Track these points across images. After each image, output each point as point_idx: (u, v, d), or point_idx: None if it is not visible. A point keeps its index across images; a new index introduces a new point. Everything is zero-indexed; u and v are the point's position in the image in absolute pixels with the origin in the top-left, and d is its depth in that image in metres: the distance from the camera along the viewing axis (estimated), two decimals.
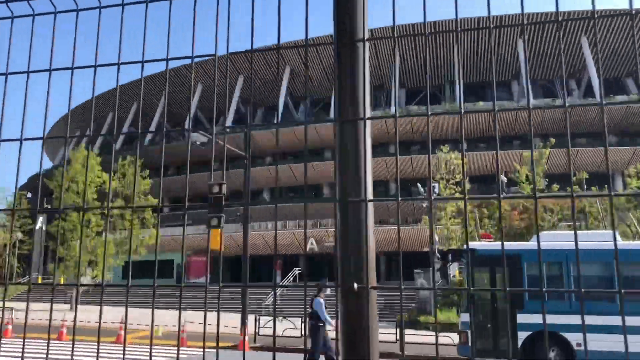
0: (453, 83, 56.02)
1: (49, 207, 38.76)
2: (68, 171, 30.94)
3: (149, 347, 11.55)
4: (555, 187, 28.27)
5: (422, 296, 26.10)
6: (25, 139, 1.90)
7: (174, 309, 30.11)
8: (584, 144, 46.39)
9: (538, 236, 1.40)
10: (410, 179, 50.86)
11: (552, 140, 29.12)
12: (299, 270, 41.44)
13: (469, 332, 11.75)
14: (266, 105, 63.68)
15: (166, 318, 23.71)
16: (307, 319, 10.97)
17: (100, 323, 1.62)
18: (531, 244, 12.42)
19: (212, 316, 26.25)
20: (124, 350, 1.54)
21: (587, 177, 29.12)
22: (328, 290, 11.04)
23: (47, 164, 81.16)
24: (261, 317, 18.44)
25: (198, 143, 18.37)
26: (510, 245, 13.38)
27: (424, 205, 27.95)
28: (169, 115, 66.98)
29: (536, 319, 11.29)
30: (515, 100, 53.62)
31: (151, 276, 41.80)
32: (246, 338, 16.41)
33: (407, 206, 49.21)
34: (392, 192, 52.02)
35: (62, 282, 47.69)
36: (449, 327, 19.65)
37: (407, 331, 19.32)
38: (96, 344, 11.91)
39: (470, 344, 11.70)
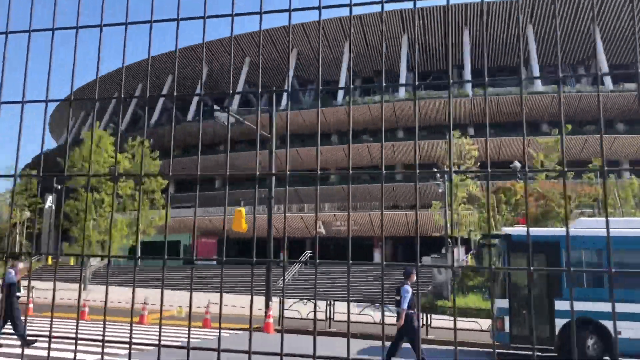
0: (461, 67, 55.69)
1: (58, 187, 38.68)
2: (80, 149, 30.80)
3: (172, 328, 11.60)
4: (570, 174, 28.19)
5: (438, 281, 26.08)
6: (51, 100, 1.80)
7: (188, 290, 30.16)
8: (592, 131, 46.25)
9: (567, 215, 1.33)
10: (418, 163, 50.85)
11: (569, 126, 28.99)
12: (310, 253, 41.52)
13: (506, 318, 11.69)
14: (273, 87, 63.35)
15: (187, 299, 23.72)
16: (395, 306, 10.69)
17: (106, 297, 1.57)
18: (571, 230, 12.28)
19: (227, 298, 26.39)
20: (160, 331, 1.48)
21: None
22: (414, 277, 10.61)
23: (51, 144, 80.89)
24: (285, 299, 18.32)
25: (224, 123, 18.14)
26: (549, 231, 13.30)
27: (440, 190, 27.86)
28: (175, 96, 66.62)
29: (575, 306, 11.24)
30: (524, 86, 53.31)
31: (160, 257, 42.04)
32: (271, 320, 16.44)
33: (425, 191, 49.28)
34: (398, 177, 51.95)
35: (72, 262, 47.83)
36: (466, 311, 19.65)
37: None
38: (119, 324, 11.91)
39: (508, 330, 11.64)
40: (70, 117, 1.78)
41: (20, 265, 12.27)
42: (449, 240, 33.59)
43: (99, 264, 34.01)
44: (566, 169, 1.23)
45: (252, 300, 1.46)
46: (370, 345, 13.80)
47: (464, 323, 16.52)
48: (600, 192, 26.82)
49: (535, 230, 12.64)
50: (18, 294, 12.03)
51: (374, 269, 34.48)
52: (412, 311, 10.40)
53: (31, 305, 19.08)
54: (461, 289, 26.43)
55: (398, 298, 10.55)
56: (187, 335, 8.65)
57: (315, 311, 1.75)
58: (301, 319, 17.29)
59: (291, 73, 59.02)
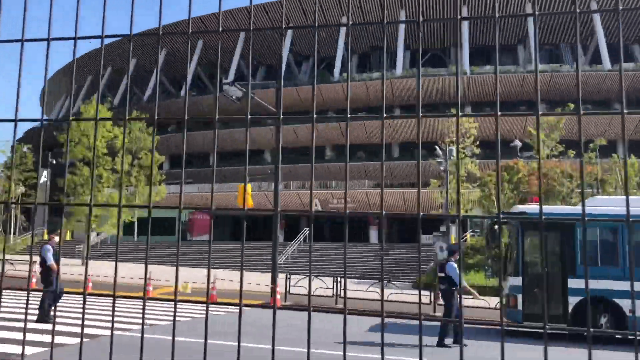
0: (458, 45, 55.23)
1: (53, 161, 38.23)
2: (79, 125, 30.24)
3: (180, 304, 11.34)
4: (572, 152, 28.19)
5: (440, 259, 26.07)
6: (54, 39, 1.63)
7: (189, 267, 30.05)
8: (590, 110, 46.09)
9: (582, 171, 1.20)
10: (413, 142, 50.65)
11: (571, 105, 28.86)
12: (307, 230, 41.50)
13: (519, 296, 11.67)
14: (267, 63, 62.56)
15: (191, 275, 23.62)
16: (439, 284, 10.58)
17: (116, 273, 1.42)
18: (586, 208, 12.09)
19: (230, 274, 26.35)
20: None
21: (605, 143, 29.01)
22: (457, 254, 10.48)
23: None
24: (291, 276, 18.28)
25: (234, 97, 17.82)
26: (563, 209, 13.24)
27: (442, 168, 27.71)
28: (168, 72, 65.73)
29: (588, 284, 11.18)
30: (522, 65, 53.09)
31: (157, 233, 41.40)
32: (278, 296, 16.40)
33: (414, 168, 49.15)
34: (395, 155, 51.84)
35: (67, 237, 47.50)
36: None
37: (427, 293, 19.31)
38: (125, 300, 11.71)
39: (520, 307, 11.63)
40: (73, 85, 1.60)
41: (56, 239, 12.23)
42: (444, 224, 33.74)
43: (95, 240, 33.77)
44: (582, 112, 1.08)
45: (242, 275, 1.30)
46: (378, 323, 13.76)
47: (470, 301, 16.58)
48: (600, 171, 26.88)
49: (551, 208, 12.54)
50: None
51: (372, 246, 34.61)
52: (454, 288, 10.39)
53: (34, 280, 18.91)
54: (466, 267, 26.50)
55: (442, 275, 10.52)
56: (194, 311, 8.54)
57: (310, 288, 1.61)
58: (308, 295, 17.17)
59: (286, 49, 58.28)
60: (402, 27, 54.30)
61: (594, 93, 47.24)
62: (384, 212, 1.27)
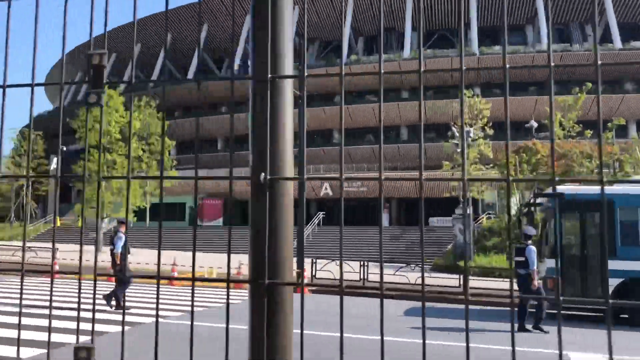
0: (467, 25, 54.57)
1: (64, 148, 38.15)
2: (91, 112, 30.04)
3: (207, 289, 11.26)
4: (588, 132, 27.86)
5: (460, 241, 26.03)
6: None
7: (203, 252, 29.98)
8: (606, 91, 45.71)
9: (600, 151, 1.08)
10: (424, 123, 50.42)
11: (589, 84, 28.44)
12: (322, 214, 41.45)
13: (558, 277, 11.44)
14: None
15: (208, 260, 23.53)
16: (517, 269, 10.44)
17: (159, 259, 1.31)
18: (623, 189, 11.85)
19: (244, 258, 26.26)
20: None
21: (623, 123, 28.57)
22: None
23: (47, 106, 79.73)
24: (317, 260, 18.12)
25: None
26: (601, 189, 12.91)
27: (459, 150, 27.43)
28: (173, 57, 65.34)
29: (629, 265, 11.08)
30: (530, 45, 52.48)
31: (167, 219, 41.28)
32: (305, 280, 16.31)
33: (427, 151, 48.97)
34: (404, 137, 51.57)
35: (79, 224, 47.63)
36: (490, 272, 19.53)
37: (446, 276, 19.16)
38: (151, 285, 11.65)
39: (559, 290, 11.41)
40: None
41: (123, 227, 12.39)
42: (462, 200, 33.51)
43: (108, 226, 33.76)
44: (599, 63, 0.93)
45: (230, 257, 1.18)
46: (413, 306, 13.62)
47: (497, 283, 16.38)
48: (618, 151, 26.43)
49: (589, 189, 12.22)
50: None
51: (385, 230, 34.46)
52: (534, 270, 10.34)
53: (56, 267, 18.94)
54: (481, 250, 26.38)
55: (522, 259, 10.42)
56: (222, 297, 8.39)
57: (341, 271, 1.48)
58: (334, 279, 17.16)
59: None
60: (409, 8, 53.68)
61: (605, 73, 46.71)
62: (383, 177, 1.19)
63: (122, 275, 11.55)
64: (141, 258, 25.88)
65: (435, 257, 28.36)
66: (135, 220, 33.19)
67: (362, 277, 16.77)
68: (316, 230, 38.85)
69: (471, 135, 27.89)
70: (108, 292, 11.78)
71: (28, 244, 29.44)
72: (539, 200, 13.02)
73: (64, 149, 35.32)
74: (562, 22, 54.16)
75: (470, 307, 13.76)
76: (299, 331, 1.22)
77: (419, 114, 1.26)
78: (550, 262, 11.88)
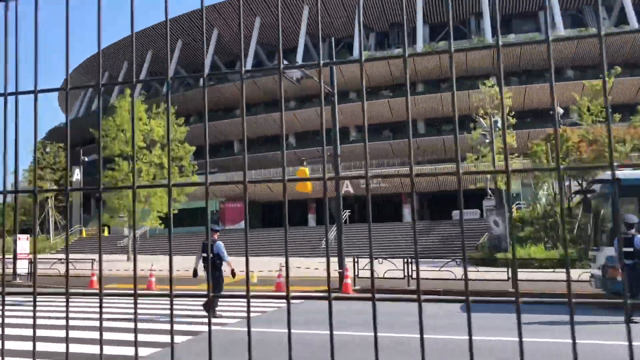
0: (479, 15, 54.11)
1: (85, 159, 38.44)
2: (114, 119, 30.31)
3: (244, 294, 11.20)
4: (617, 116, 27.39)
5: (495, 232, 25.62)
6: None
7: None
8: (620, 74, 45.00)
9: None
10: (440, 117, 50.07)
11: (618, 68, 27.87)
12: (348, 212, 41.31)
13: (618, 266, 11.17)
14: (284, 47, 62.03)
15: (238, 263, 23.46)
16: (624, 259, 10.22)
17: (247, 268, 1.20)
18: None
19: (270, 260, 26.26)
20: None
21: None
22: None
23: (62, 117, 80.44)
24: (359, 259, 17.93)
25: (294, 79, 17.56)
26: None
27: (487, 141, 27.02)
28: (185, 63, 65.62)
29: None
30: (544, 31, 51.83)
31: (189, 224, 41.34)
32: (349, 281, 16.24)
33: (441, 144, 48.70)
34: (421, 131, 51.24)
35: (105, 234, 47.98)
36: (528, 263, 19.13)
37: (485, 269, 18.74)
38: (188, 291, 11.59)
39: (620, 278, 11.13)
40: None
41: (216, 235, 12.41)
42: (489, 194, 33.24)
43: (137, 233, 33.96)
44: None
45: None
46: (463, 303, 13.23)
47: (543, 274, 16.05)
48: None
49: None
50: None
51: (406, 225, 34.29)
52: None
53: (94, 278, 19.04)
54: (515, 241, 25.93)
55: (630, 250, 10.20)
56: (274, 303, 8.26)
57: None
58: (378, 277, 16.93)
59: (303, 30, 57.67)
60: (420, 2, 53.31)
61: (623, 54, 45.99)
62: (414, 173, 1.11)
63: (215, 283, 11.68)
64: (163, 265, 25.94)
65: (470, 250, 28.03)
66: (163, 227, 33.26)
67: (405, 274, 16.54)
68: (343, 227, 38.72)
69: (498, 125, 27.56)
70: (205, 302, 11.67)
71: (60, 256, 29.67)
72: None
73: (85, 159, 35.59)
74: (576, 7, 53.46)
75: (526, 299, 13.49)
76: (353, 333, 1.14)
77: (452, 100, 1.19)
78: (608, 251, 11.57)
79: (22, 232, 51.33)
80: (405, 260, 16.79)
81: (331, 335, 1.23)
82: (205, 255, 11.77)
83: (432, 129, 50.80)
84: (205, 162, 1.22)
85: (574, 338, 1.10)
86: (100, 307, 1.34)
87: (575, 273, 15.78)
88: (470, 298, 1.21)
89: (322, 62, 1.26)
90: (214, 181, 1.29)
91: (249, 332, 1.35)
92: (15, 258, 21.52)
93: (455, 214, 38.85)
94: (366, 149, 1.34)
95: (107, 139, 29.86)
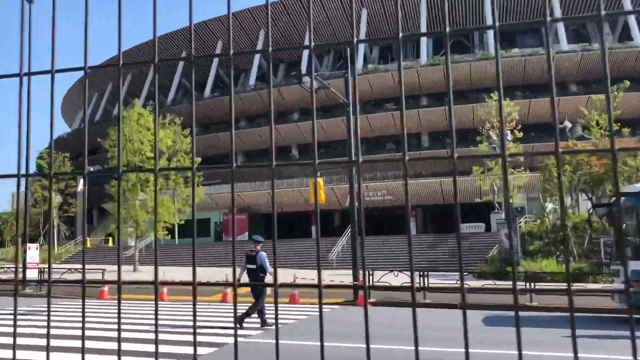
0: (482, 29, 54.27)
1: (91, 169, 38.40)
2: (124, 131, 30.28)
3: (284, 305, 10.90)
4: (626, 130, 27.34)
5: (506, 246, 25.36)
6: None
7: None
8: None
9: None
10: (444, 130, 50.10)
11: (627, 82, 27.85)
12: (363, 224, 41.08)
13: None
14: (289, 60, 62.25)
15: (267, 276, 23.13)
16: None
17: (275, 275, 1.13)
18: None
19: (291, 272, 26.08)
20: None
21: None
22: None
23: (64, 128, 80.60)
24: (374, 271, 17.78)
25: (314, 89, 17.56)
26: None
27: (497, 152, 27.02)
28: (188, 74, 65.84)
29: None
30: (546, 47, 51.97)
31: (200, 235, 41.02)
32: (361, 293, 16.10)
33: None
34: (425, 144, 51.27)
35: (110, 244, 47.85)
36: (540, 276, 18.88)
37: (497, 282, 18.46)
38: (206, 303, 11.48)
39: None
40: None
41: (259, 247, 12.28)
42: (497, 207, 33.13)
43: (138, 245, 33.81)
44: None
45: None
46: (488, 315, 13.11)
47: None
48: None
49: None
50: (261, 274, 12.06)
51: (418, 238, 34.16)
52: None
53: (106, 288, 18.91)
54: (525, 254, 25.67)
55: None
56: (302, 311, 8.19)
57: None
58: (392, 289, 16.80)
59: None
60: (423, 15, 53.59)
61: (628, 70, 46.09)
62: (407, 158, 1.07)
63: (257, 294, 11.59)
64: (179, 275, 25.77)
65: (477, 264, 27.79)
66: (169, 237, 33.13)
67: (421, 286, 16.40)
68: (350, 240, 38.54)
69: (509, 138, 27.63)
70: (258, 313, 11.72)
71: (67, 266, 29.52)
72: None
73: (91, 169, 35.43)
74: (579, 23, 53.69)
75: (545, 314, 13.25)
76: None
77: (446, 77, 1.13)
78: (635, 265, 11.42)
79: (30, 241, 51.28)
80: (421, 272, 16.73)
81: (321, 330, 1.15)
82: (249, 266, 11.80)
83: (436, 142, 50.82)
84: (217, 173, 1.19)
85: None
86: (119, 299, 1.29)
87: (591, 287, 15.61)
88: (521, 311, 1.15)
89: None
90: (240, 165, 1.23)
91: (277, 345, 1.28)
92: (25, 267, 21.39)
93: (461, 227, 38.72)
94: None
95: (114, 149, 29.79)
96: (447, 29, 1.05)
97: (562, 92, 47.01)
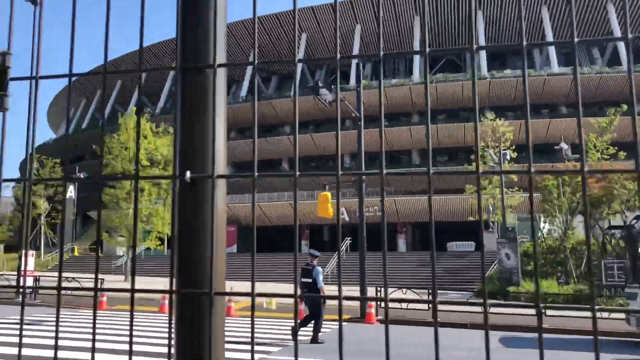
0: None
1: (81, 175, 37.78)
2: (118, 137, 29.83)
3: (267, 320, 10.71)
4: (622, 154, 27.43)
5: (507, 266, 25.10)
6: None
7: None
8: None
9: None
10: (435, 148, 50.26)
11: (624, 106, 28.01)
12: (349, 239, 40.84)
13: None
14: (280, 73, 62.26)
15: (242, 287, 22.62)
16: None
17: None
18: None
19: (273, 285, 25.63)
20: None
21: None
22: None
23: (49, 134, 79.67)
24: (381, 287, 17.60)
25: (326, 101, 17.41)
26: None
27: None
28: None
29: None
30: (539, 68, 52.60)
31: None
32: (372, 310, 15.85)
33: (444, 175, 48.66)
34: (416, 162, 51.35)
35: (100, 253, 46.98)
36: (543, 297, 18.73)
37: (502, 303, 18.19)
38: (234, 317, 10.98)
39: None
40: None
41: (315, 260, 12.03)
42: (491, 227, 33.05)
43: (126, 255, 33.19)
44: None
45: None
46: (504, 336, 12.94)
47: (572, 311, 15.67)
48: None
49: None
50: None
51: (402, 255, 33.97)
52: None
53: (104, 299, 18.50)
54: (524, 275, 25.50)
55: None
56: (288, 330, 7.85)
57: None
58: (401, 308, 16.71)
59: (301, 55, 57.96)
60: (417, 33, 53.99)
61: (616, 94, 46.66)
62: (384, 172, 1.00)
63: (315, 309, 11.40)
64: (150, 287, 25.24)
65: (475, 282, 27.55)
66: (162, 248, 32.60)
67: (430, 306, 16.30)
68: (344, 256, 38.20)
69: (507, 157, 27.71)
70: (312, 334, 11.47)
71: (57, 274, 28.90)
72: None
73: (81, 175, 34.87)
74: (568, 46, 54.34)
75: (560, 335, 13.06)
76: None
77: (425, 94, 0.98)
78: None
79: (7, 248, 50.17)
80: (430, 290, 16.66)
81: None
82: (304, 280, 11.73)
83: (426, 159, 50.89)
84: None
85: None
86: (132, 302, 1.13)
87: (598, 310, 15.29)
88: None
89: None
90: (262, 174, 1.16)
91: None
92: (19, 274, 20.81)
93: (450, 245, 38.61)
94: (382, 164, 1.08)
95: (109, 157, 29.35)
96: (382, 54, 1.02)
97: (552, 114, 47.45)
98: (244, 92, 58.39)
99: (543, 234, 29.57)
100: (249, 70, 59.15)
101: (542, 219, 29.46)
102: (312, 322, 11.41)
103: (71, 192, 41.29)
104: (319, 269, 11.78)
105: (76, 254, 44.47)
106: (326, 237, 46.46)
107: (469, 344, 11.26)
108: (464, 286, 24.89)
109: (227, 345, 10.29)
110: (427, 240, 46.67)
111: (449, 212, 41.79)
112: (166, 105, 62.64)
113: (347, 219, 39.99)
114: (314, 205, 45.85)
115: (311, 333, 11.48)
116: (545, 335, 13.32)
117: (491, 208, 30.77)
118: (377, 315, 15.88)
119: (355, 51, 55.07)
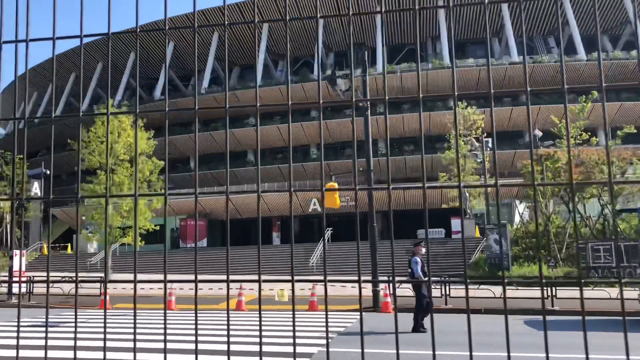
0: (436, 39, 55.56)
1: (47, 171, 36.34)
2: (95, 131, 28.66)
3: (278, 314, 10.58)
4: (595, 139, 28.23)
5: (495, 251, 25.43)
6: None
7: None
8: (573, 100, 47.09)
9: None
10: (401, 137, 50.74)
11: (594, 93, 28.68)
12: (330, 230, 40.75)
13: None
14: (242, 64, 61.40)
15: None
16: None
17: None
18: None
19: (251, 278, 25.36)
20: None
21: (634, 131, 28.24)
22: None
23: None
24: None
25: (341, 90, 17.20)
26: None
27: (479, 160, 27.17)
28: (139, 74, 63.82)
29: None
30: (499, 57, 53.72)
31: (147, 242, 39.99)
32: (389, 299, 15.91)
33: (403, 164, 49.31)
34: (382, 151, 51.74)
35: (69, 251, 45.36)
36: (535, 281, 19.04)
37: (496, 288, 18.44)
38: (211, 312, 10.96)
39: None
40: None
41: (423, 250, 12.04)
42: (467, 211, 33.65)
43: (101, 252, 32.23)
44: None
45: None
46: (530, 319, 12.98)
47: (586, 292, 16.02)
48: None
49: None
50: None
51: (379, 244, 34.14)
52: None
53: (108, 298, 17.88)
54: (515, 259, 25.92)
55: None
56: (318, 322, 7.84)
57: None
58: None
59: (263, 47, 57.41)
60: (379, 23, 54.22)
61: (573, 82, 48.19)
62: (357, 187, 1.12)
63: (424, 301, 11.47)
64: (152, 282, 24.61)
65: (460, 269, 27.82)
66: (143, 244, 31.65)
67: (443, 293, 16.48)
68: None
69: (489, 145, 28.19)
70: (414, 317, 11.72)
71: (30, 274, 27.78)
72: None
73: (47, 172, 33.47)
74: (528, 36, 55.80)
75: (566, 317, 13.29)
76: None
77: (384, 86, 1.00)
78: None
79: None
80: (442, 278, 16.94)
81: None
82: (409, 270, 12.03)
83: (393, 148, 51.39)
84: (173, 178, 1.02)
85: None
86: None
87: (598, 293, 15.62)
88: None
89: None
90: (265, 190, 1.12)
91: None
92: (10, 276, 19.88)
93: (421, 232, 39.12)
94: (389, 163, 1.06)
95: (84, 151, 28.24)
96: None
97: (513, 102, 48.64)
98: (205, 83, 57.42)
99: (523, 219, 30.32)
100: (210, 61, 58.15)
101: (523, 203, 30.22)
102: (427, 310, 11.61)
103: (36, 189, 39.61)
104: (416, 259, 11.94)
105: (45, 252, 42.89)
106: (297, 228, 46.31)
107: (495, 329, 11.10)
108: (451, 272, 25.12)
109: (274, 340, 10.13)
110: (399, 227, 47.26)
111: (416, 199, 42.32)
112: (123, 97, 60.88)
113: (318, 209, 40.05)
114: (284, 198, 45.75)
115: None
116: (566, 317, 13.50)
117: (467, 194, 31.39)
118: (393, 304, 15.95)
119: (319, 42, 54.89)
